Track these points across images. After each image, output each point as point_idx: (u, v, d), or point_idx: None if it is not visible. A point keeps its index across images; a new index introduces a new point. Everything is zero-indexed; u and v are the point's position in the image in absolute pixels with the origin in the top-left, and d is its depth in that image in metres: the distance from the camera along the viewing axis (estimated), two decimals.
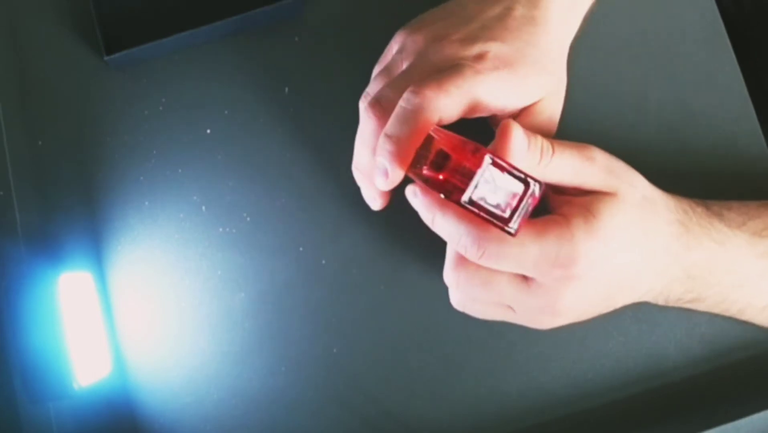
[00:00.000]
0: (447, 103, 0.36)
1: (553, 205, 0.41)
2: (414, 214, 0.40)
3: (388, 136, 0.37)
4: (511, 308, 0.41)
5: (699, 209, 0.42)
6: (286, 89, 0.48)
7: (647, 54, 0.48)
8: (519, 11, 0.41)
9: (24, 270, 0.43)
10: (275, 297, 0.46)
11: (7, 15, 0.49)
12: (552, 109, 0.43)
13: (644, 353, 0.46)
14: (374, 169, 0.38)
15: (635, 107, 0.48)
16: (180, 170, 0.47)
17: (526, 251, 0.37)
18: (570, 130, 0.47)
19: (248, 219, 0.47)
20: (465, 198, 0.33)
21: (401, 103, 0.37)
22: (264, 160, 0.47)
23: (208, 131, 0.48)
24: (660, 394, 0.45)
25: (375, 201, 0.42)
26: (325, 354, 0.46)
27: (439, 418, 0.45)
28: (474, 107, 0.38)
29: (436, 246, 0.41)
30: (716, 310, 0.43)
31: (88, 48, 0.48)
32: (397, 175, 0.37)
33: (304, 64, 0.44)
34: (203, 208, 0.47)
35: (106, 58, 0.46)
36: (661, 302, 0.42)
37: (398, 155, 0.36)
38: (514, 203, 0.34)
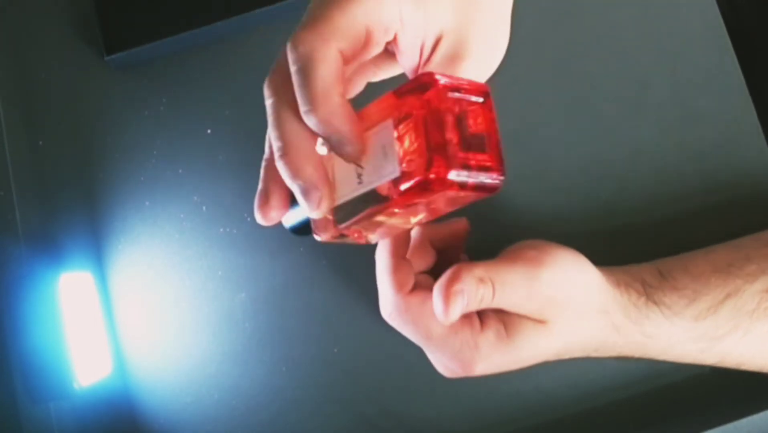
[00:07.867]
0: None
1: None
2: None
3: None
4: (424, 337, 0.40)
5: (640, 301, 0.40)
6: None
7: (647, 54, 0.48)
8: None
9: (24, 270, 0.43)
10: (275, 297, 0.46)
11: (8, 15, 0.49)
12: (455, 48, 0.36)
13: None
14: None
15: (635, 107, 0.48)
16: (180, 170, 0.47)
17: (435, 340, 0.38)
18: (570, 130, 0.47)
19: (248, 219, 0.47)
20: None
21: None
22: None
23: (208, 131, 0.48)
24: (660, 394, 0.45)
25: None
26: (326, 354, 0.46)
27: (439, 418, 0.45)
28: (380, 29, 0.33)
29: None
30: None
31: (88, 48, 0.48)
32: None
33: None
34: (203, 208, 0.47)
35: (106, 58, 0.46)
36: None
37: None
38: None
